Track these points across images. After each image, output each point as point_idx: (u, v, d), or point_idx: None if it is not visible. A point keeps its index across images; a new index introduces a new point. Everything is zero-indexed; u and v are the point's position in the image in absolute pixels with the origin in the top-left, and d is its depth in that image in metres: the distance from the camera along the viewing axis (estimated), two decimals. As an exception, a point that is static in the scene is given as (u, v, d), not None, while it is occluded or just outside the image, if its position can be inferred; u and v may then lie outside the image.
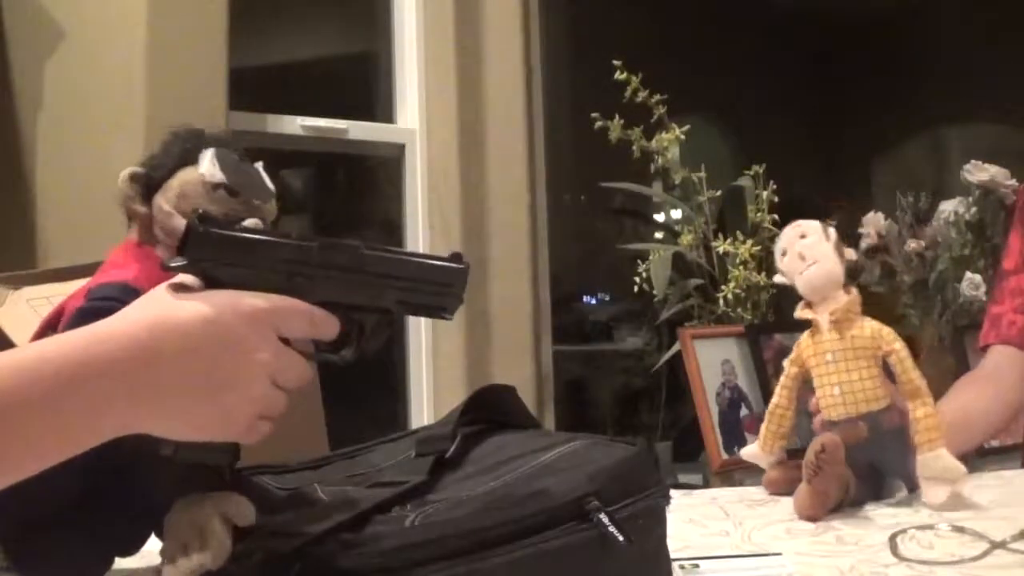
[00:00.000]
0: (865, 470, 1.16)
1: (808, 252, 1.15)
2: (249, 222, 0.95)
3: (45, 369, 0.58)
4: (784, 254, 1.19)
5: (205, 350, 0.62)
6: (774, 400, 1.21)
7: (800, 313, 1.17)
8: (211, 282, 0.65)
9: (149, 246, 0.96)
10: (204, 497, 0.73)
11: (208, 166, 0.96)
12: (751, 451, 1.25)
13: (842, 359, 1.14)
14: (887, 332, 1.14)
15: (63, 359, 0.58)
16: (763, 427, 1.22)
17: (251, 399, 0.64)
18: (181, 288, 0.64)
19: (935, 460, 1.11)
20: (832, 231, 1.17)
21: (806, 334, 1.18)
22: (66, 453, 0.59)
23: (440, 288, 0.74)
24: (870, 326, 1.14)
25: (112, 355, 0.59)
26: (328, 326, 0.69)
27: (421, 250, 2.48)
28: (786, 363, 1.21)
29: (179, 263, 0.65)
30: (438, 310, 0.75)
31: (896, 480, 1.19)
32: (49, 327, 0.92)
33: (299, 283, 0.67)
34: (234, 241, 0.67)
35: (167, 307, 0.63)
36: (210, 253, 0.66)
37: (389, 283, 0.71)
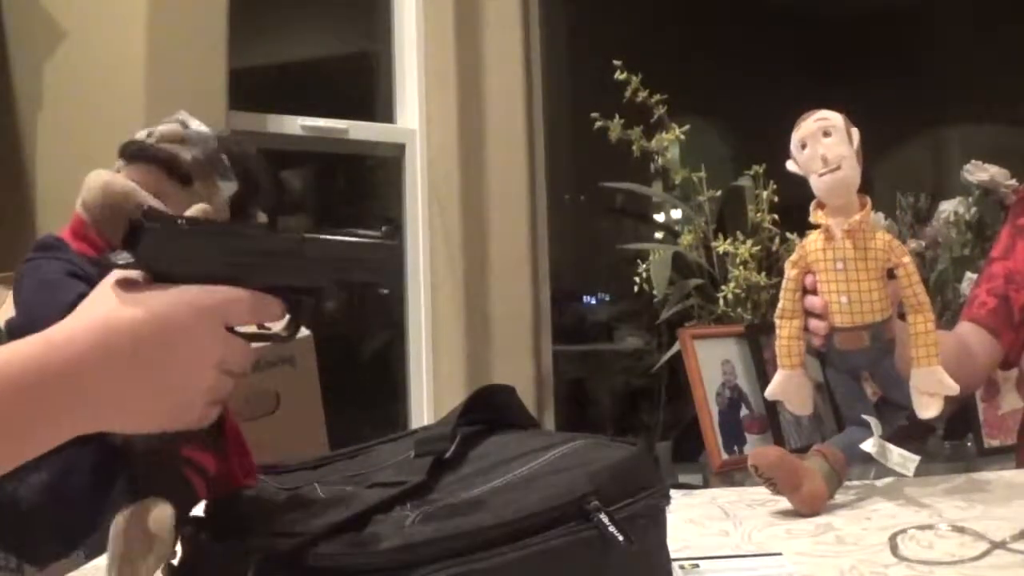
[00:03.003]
0: (854, 383, 1.19)
1: (831, 154, 1.12)
2: (195, 208, 0.97)
3: (4, 374, 0.59)
4: (804, 147, 1.15)
5: (159, 347, 0.64)
6: (780, 306, 1.18)
7: (815, 217, 1.15)
8: (157, 276, 0.66)
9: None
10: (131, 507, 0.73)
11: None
12: (775, 386, 1.20)
13: (852, 268, 1.13)
14: (897, 245, 1.14)
15: (19, 367, 0.59)
16: (777, 342, 1.19)
17: (203, 389, 0.67)
18: (126, 284, 0.65)
19: (930, 375, 1.13)
20: (855, 132, 1.15)
21: (813, 236, 1.16)
22: (24, 457, 0.61)
23: (376, 265, 0.78)
24: (883, 238, 1.13)
25: (67, 359, 0.61)
26: (271, 310, 0.71)
27: (421, 250, 2.48)
28: (787, 264, 1.19)
29: (125, 260, 0.66)
30: (373, 286, 0.80)
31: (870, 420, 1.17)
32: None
33: (241, 271, 0.69)
34: (178, 235, 0.67)
35: (116, 306, 0.64)
36: (155, 250, 0.66)
37: (326, 265, 0.75)
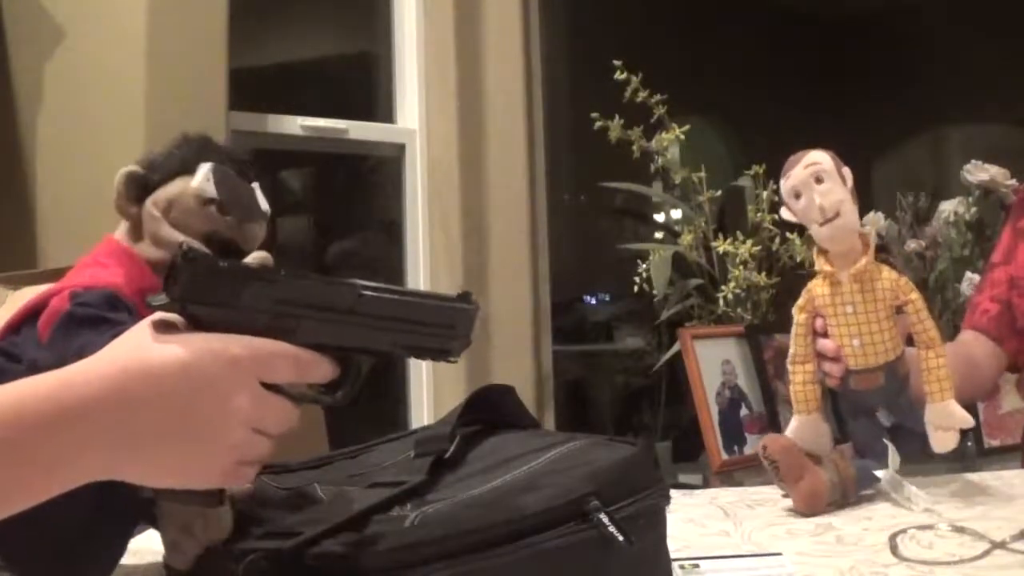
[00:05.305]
0: (871, 422, 1.19)
1: (828, 203, 1.10)
2: (255, 256, 0.95)
3: (21, 413, 0.57)
4: (798, 196, 1.13)
5: (180, 396, 0.60)
6: (792, 351, 1.17)
7: (820, 265, 1.14)
8: (195, 321, 0.62)
9: (133, 247, 0.96)
10: None
11: (202, 180, 0.96)
12: (792, 434, 1.17)
13: (862, 311, 1.12)
14: (904, 282, 1.13)
15: (38, 403, 0.57)
16: (791, 387, 1.18)
17: (228, 446, 0.62)
18: (163, 327, 0.62)
19: (943, 409, 1.12)
20: (847, 172, 1.13)
21: (818, 280, 1.15)
22: (36, 499, 0.58)
23: (443, 331, 0.70)
24: (889, 278, 1.13)
25: (86, 400, 0.58)
26: (317, 369, 0.65)
27: (421, 250, 2.48)
28: (795, 310, 1.17)
29: (162, 301, 0.62)
30: (441, 353, 0.71)
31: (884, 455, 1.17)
32: (26, 320, 0.91)
33: (288, 324, 0.64)
34: (221, 280, 0.63)
35: (144, 350, 0.61)
36: (195, 292, 0.62)
37: (387, 325, 0.68)
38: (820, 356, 1.17)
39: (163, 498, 0.66)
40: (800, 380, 1.17)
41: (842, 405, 1.23)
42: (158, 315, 0.62)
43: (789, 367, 1.18)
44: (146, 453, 0.60)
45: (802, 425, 1.17)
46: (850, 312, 1.13)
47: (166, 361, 0.60)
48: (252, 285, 0.64)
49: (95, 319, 0.86)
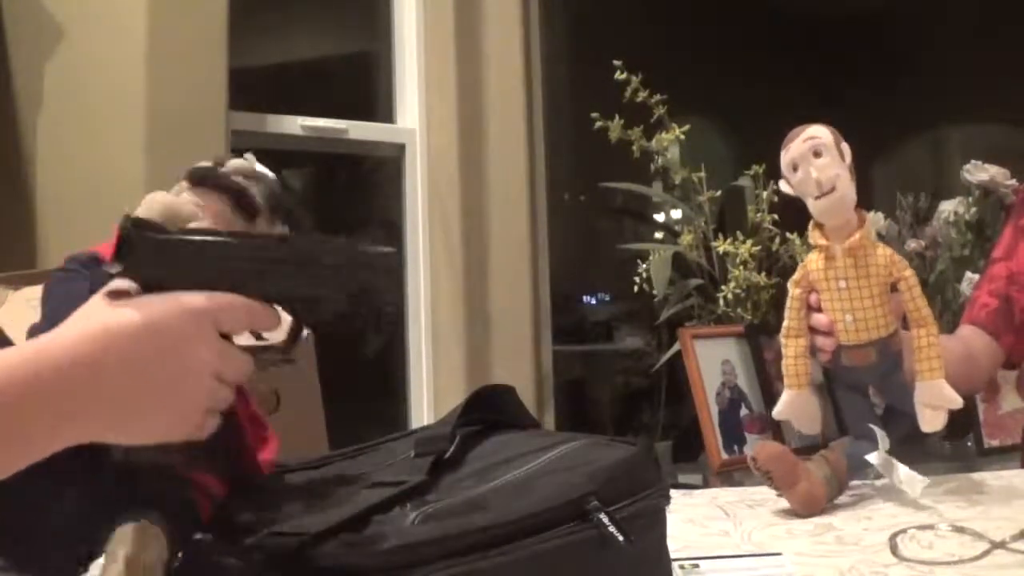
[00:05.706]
0: (862, 400, 1.19)
1: (825, 177, 1.10)
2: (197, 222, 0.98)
3: None
4: (795, 168, 1.13)
5: (150, 354, 0.63)
6: (786, 324, 1.18)
7: (814, 239, 1.14)
8: (146, 285, 0.66)
9: None
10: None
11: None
12: (783, 407, 1.19)
13: (855, 286, 1.12)
14: (899, 259, 1.13)
15: (11, 375, 0.59)
16: (783, 361, 1.18)
17: (199, 397, 0.66)
18: (117, 295, 0.65)
19: (933, 388, 1.13)
20: (846, 148, 1.13)
21: (813, 255, 1.16)
22: (18, 466, 0.60)
23: (375, 271, 0.75)
24: (883, 253, 1.13)
25: (59, 369, 0.60)
26: (266, 318, 0.70)
27: (421, 250, 2.48)
28: (790, 284, 1.18)
29: (115, 269, 0.66)
30: (371, 293, 0.74)
31: (872, 440, 1.17)
32: None
33: (232, 279, 0.68)
34: (167, 244, 0.68)
35: (107, 315, 0.64)
36: (144, 258, 0.66)
37: (318, 271, 0.72)
38: (813, 331, 1.17)
39: (133, 458, 0.68)
40: (792, 354, 1.17)
41: (834, 384, 1.23)
42: (113, 284, 0.66)
43: (782, 340, 1.18)
44: (123, 414, 0.63)
45: (793, 400, 1.18)
46: (843, 287, 1.13)
47: (132, 322, 0.63)
48: (194, 247, 0.69)
49: (74, 271, 0.92)
